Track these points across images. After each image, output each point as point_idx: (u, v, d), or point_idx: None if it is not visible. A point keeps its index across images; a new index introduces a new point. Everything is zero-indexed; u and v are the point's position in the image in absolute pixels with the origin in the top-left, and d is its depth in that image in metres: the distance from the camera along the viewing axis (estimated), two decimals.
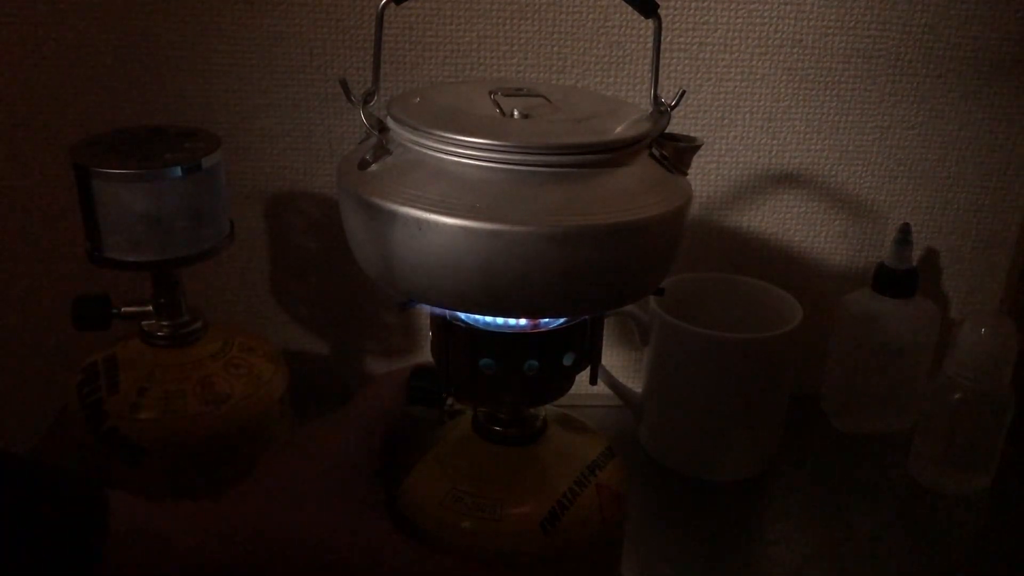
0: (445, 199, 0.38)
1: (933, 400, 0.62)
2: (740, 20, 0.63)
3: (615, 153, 0.40)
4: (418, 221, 0.38)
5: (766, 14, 0.63)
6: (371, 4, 0.61)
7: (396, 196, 0.39)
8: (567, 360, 0.44)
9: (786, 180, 0.68)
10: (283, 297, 0.69)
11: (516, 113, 0.42)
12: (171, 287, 0.56)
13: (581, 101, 0.46)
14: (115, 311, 0.55)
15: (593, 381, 0.47)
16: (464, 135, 0.39)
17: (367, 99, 0.42)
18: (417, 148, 0.40)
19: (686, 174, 0.44)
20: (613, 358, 0.72)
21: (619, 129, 0.41)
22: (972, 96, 0.66)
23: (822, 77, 0.65)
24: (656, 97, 0.43)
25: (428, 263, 0.39)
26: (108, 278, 0.60)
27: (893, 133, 0.67)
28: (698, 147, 0.43)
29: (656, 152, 0.43)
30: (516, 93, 0.44)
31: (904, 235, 0.64)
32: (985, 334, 0.59)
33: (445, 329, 0.44)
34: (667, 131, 0.43)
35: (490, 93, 0.43)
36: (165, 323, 0.56)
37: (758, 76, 0.65)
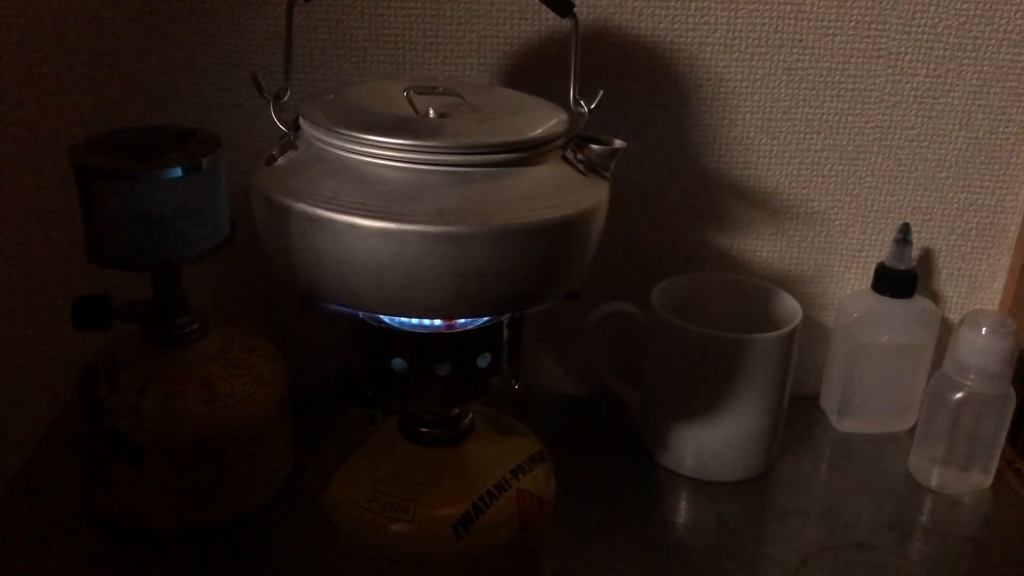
0: (337, 196, 0.38)
1: (933, 400, 0.62)
2: (740, 20, 0.63)
3: (520, 154, 0.39)
4: (309, 217, 0.38)
5: (766, 14, 0.63)
6: (370, 5, 0.61)
7: (291, 192, 0.39)
8: (482, 362, 0.44)
9: (786, 180, 0.68)
10: (283, 297, 0.69)
11: (431, 112, 0.41)
12: (171, 287, 0.56)
13: (498, 100, 0.45)
14: (115, 311, 0.55)
15: (516, 383, 0.47)
16: (360, 132, 0.38)
17: (278, 96, 0.42)
18: (319, 144, 0.40)
19: (606, 178, 0.43)
20: (613, 358, 0.72)
21: (527, 129, 0.41)
22: (972, 96, 0.66)
23: (822, 77, 0.65)
24: (575, 98, 0.43)
25: (321, 261, 0.38)
26: (108, 278, 0.60)
27: (893, 133, 0.67)
28: (617, 150, 0.42)
29: (571, 155, 0.42)
30: (432, 91, 0.43)
31: (904, 235, 0.64)
32: (985, 334, 0.59)
33: (358, 327, 0.44)
34: (594, 133, 0.42)
35: (405, 91, 0.43)
36: (165, 323, 0.56)
37: (758, 76, 0.65)
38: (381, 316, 0.43)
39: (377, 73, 0.63)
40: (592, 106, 0.42)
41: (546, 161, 0.41)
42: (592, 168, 0.42)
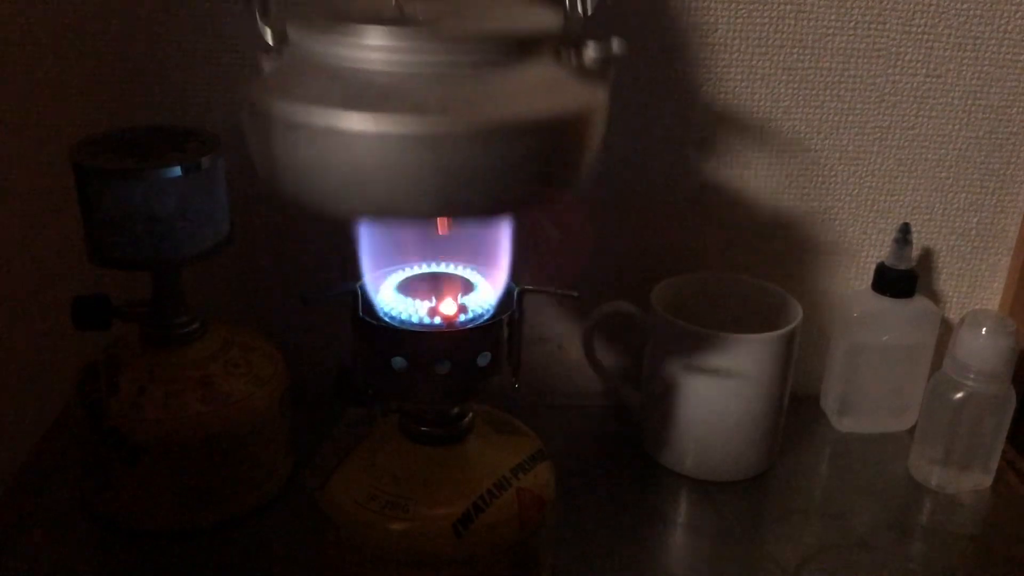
0: (317, 97, 0.37)
1: (933, 400, 0.62)
2: (740, 20, 0.63)
3: (508, 51, 0.38)
4: (288, 120, 0.37)
5: (766, 14, 0.63)
6: None
7: (271, 96, 0.38)
8: (482, 360, 0.44)
9: (786, 180, 0.68)
10: (283, 297, 0.69)
11: (419, 14, 0.39)
12: (171, 287, 0.56)
13: (493, 3, 0.43)
14: (115, 311, 0.55)
15: (516, 383, 0.47)
16: (342, 31, 0.37)
17: (264, 3, 0.40)
18: (302, 48, 0.39)
19: (606, 84, 0.41)
20: (613, 358, 0.72)
21: (515, 26, 0.39)
22: (972, 96, 0.66)
23: (822, 77, 0.65)
24: (571, 1, 0.41)
25: (302, 165, 0.37)
26: (108, 278, 0.60)
27: (893, 133, 0.67)
28: (615, 53, 0.40)
29: (567, 57, 0.40)
30: None
31: (904, 235, 0.64)
32: (985, 334, 0.59)
33: (359, 326, 0.44)
34: (596, 35, 0.41)
35: None
36: (165, 323, 0.56)
37: (758, 76, 0.65)
38: (387, 315, 0.43)
39: None
40: (589, 10, 0.40)
41: (538, 61, 0.39)
42: (589, 71, 0.41)
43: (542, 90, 0.39)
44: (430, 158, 0.36)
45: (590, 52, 0.40)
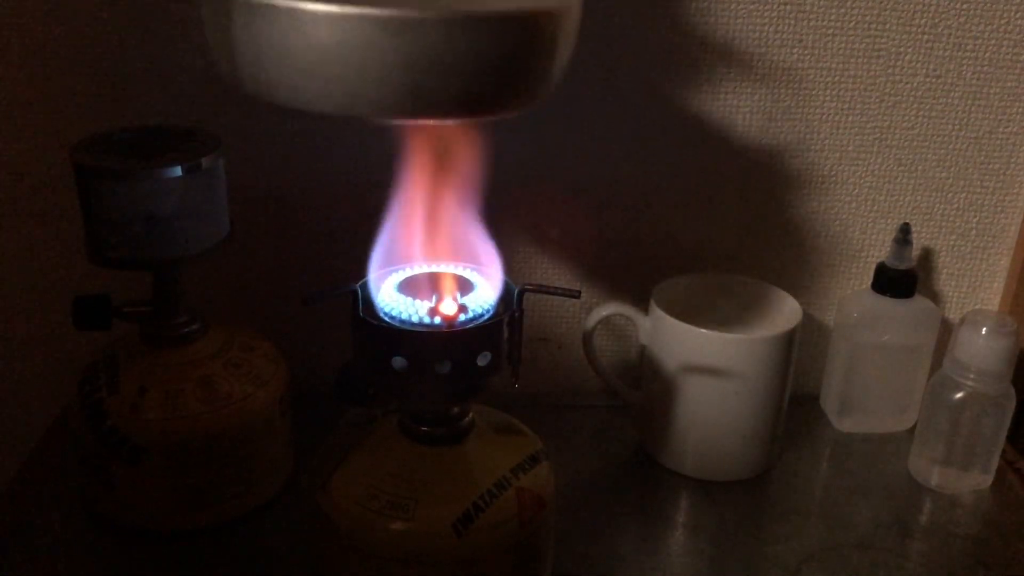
0: None
1: (933, 400, 0.62)
2: (740, 20, 0.63)
3: None
4: (249, 4, 0.35)
5: (766, 14, 0.63)
6: None
7: None
8: (482, 360, 0.44)
9: (786, 180, 0.68)
10: (283, 297, 0.69)
11: None
12: (171, 287, 0.56)
13: None
14: (115, 311, 0.55)
15: (516, 383, 0.47)
16: None
17: None
18: None
19: None
20: (613, 358, 0.72)
21: None
22: (972, 96, 0.66)
23: (822, 77, 0.65)
24: None
25: (264, 53, 0.36)
26: (108, 278, 0.60)
27: (893, 133, 0.67)
28: None
29: None
30: None
31: (904, 235, 0.64)
32: (985, 334, 0.59)
33: (359, 326, 0.44)
34: None
35: None
36: (165, 323, 0.56)
37: (758, 76, 0.65)
38: (387, 315, 0.43)
39: None
40: None
41: None
42: None
43: None
44: (397, 45, 0.34)
45: None
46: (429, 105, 0.37)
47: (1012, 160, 0.68)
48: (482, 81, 0.37)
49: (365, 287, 0.45)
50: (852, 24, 0.64)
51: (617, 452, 0.66)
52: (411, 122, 0.41)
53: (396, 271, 0.47)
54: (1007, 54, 0.65)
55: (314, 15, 0.34)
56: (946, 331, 0.66)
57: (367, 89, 0.36)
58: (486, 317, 0.44)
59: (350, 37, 0.34)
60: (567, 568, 0.54)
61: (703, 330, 0.59)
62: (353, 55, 0.35)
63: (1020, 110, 0.66)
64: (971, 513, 0.62)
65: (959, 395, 0.60)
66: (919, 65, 0.65)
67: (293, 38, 0.35)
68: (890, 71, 0.65)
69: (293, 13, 0.34)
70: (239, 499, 0.57)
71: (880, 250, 0.70)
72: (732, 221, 0.69)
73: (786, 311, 0.63)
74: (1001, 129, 0.67)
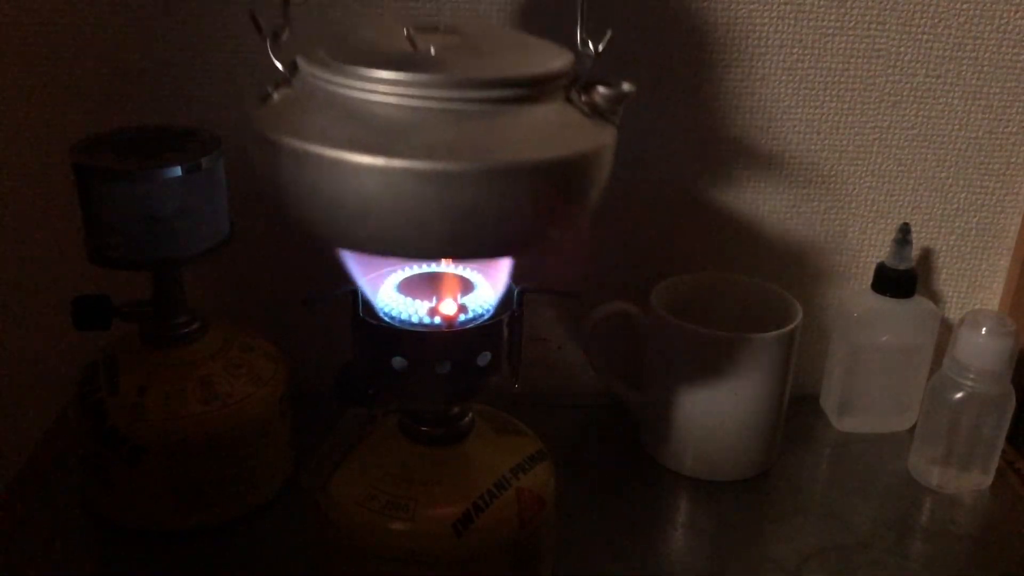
0: (326, 131, 0.37)
1: (933, 400, 0.62)
2: (740, 20, 0.63)
3: (518, 91, 0.38)
4: (298, 153, 0.37)
5: (766, 14, 0.63)
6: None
7: (281, 127, 0.38)
8: (482, 360, 0.44)
9: (786, 180, 0.68)
10: (283, 297, 0.69)
11: (432, 49, 0.40)
12: (171, 287, 0.56)
13: (501, 39, 0.44)
14: (115, 311, 0.55)
15: (516, 383, 0.47)
16: (352, 65, 0.37)
17: (276, 34, 0.41)
18: (312, 80, 0.39)
19: (614, 124, 0.42)
20: (613, 358, 0.72)
21: (525, 66, 0.39)
22: (972, 96, 0.66)
23: (822, 77, 0.65)
24: (582, 39, 0.41)
25: (310, 198, 0.38)
26: (108, 278, 0.60)
27: (893, 133, 0.67)
28: (625, 94, 0.41)
29: (576, 97, 0.41)
30: (433, 30, 0.42)
31: (904, 235, 0.64)
32: (985, 334, 0.59)
33: (359, 326, 0.44)
34: (600, 75, 0.41)
35: (405, 29, 0.41)
36: (165, 323, 0.56)
37: (758, 76, 0.65)
38: (386, 314, 0.43)
39: (375, 15, 0.62)
40: (600, 47, 0.41)
41: (547, 101, 0.39)
42: (598, 112, 0.41)
43: (551, 131, 0.39)
44: (437, 197, 0.36)
45: (600, 93, 0.41)
46: (467, 250, 0.39)
47: (1012, 160, 0.68)
48: (519, 227, 0.39)
49: (364, 288, 0.45)
50: (852, 24, 0.64)
51: (617, 452, 0.66)
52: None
53: (396, 271, 0.47)
54: (1007, 54, 0.65)
55: (358, 166, 0.36)
56: (946, 331, 0.66)
57: (408, 235, 0.37)
58: (486, 317, 0.44)
59: (393, 187, 0.36)
60: (567, 568, 0.54)
61: (703, 330, 0.59)
62: (395, 204, 0.36)
63: (1020, 110, 0.66)
64: (971, 513, 0.62)
65: (959, 395, 0.60)
66: (919, 65, 0.65)
67: (338, 186, 0.37)
68: (890, 71, 0.65)
69: (339, 163, 0.36)
70: (239, 499, 0.57)
71: (880, 250, 0.70)
72: (732, 221, 0.69)
73: (786, 311, 0.63)
74: (1001, 129, 0.67)
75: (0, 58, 0.62)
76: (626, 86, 0.40)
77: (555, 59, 0.40)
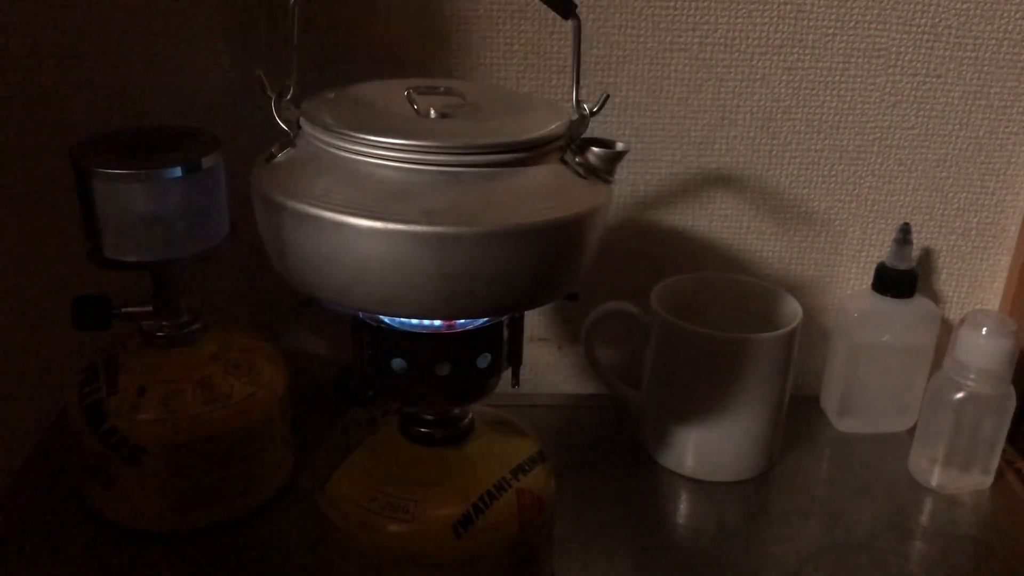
0: (328, 194, 0.38)
1: (933, 400, 0.62)
2: (740, 20, 0.63)
3: (514, 155, 0.39)
4: (300, 215, 0.38)
5: (766, 14, 0.63)
6: (370, 9, 0.61)
7: (284, 189, 0.39)
8: (482, 362, 0.44)
9: (786, 180, 0.68)
10: (283, 297, 0.69)
11: (432, 112, 0.41)
12: (171, 287, 0.56)
13: (500, 100, 0.45)
14: (115, 311, 0.55)
15: (515, 383, 0.47)
16: (352, 130, 0.38)
17: (281, 95, 0.42)
18: (315, 142, 0.40)
19: (608, 181, 0.43)
20: (613, 358, 0.72)
21: (521, 130, 0.40)
22: (972, 96, 0.66)
23: (822, 77, 0.65)
24: (577, 100, 0.42)
25: (312, 258, 0.39)
26: (108, 278, 0.60)
27: (893, 133, 0.67)
28: (619, 154, 0.42)
29: (571, 157, 0.42)
30: (433, 91, 0.43)
31: (904, 235, 0.64)
32: (985, 334, 0.59)
33: (358, 328, 0.44)
34: (595, 136, 0.42)
35: (406, 91, 0.43)
36: (165, 323, 0.56)
37: (758, 76, 0.65)
38: (380, 316, 0.43)
39: (378, 77, 0.63)
40: (595, 109, 0.42)
41: (543, 163, 0.40)
42: (593, 171, 0.42)
43: (547, 193, 0.40)
44: (435, 259, 0.37)
45: (594, 153, 0.42)
46: (463, 310, 0.40)
47: (1012, 160, 0.68)
48: (514, 287, 0.39)
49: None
50: (852, 24, 0.64)
51: (617, 452, 0.66)
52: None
53: None
54: (1007, 54, 0.65)
55: (358, 229, 0.37)
56: (946, 331, 0.66)
57: (405, 296, 0.39)
58: (486, 318, 0.44)
59: (391, 249, 0.37)
60: (566, 569, 0.54)
61: (703, 330, 0.59)
62: (394, 265, 0.37)
63: (1020, 110, 0.66)
64: (971, 513, 0.62)
65: (959, 395, 0.60)
66: (919, 65, 0.65)
67: (339, 247, 0.38)
68: (890, 71, 0.65)
69: (340, 226, 0.37)
70: (239, 499, 0.57)
71: (880, 250, 0.70)
72: (732, 221, 0.69)
73: (786, 311, 0.63)
74: (1001, 129, 0.67)
75: (1, 59, 0.62)
76: (620, 146, 0.42)
77: (550, 121, 0.42)
